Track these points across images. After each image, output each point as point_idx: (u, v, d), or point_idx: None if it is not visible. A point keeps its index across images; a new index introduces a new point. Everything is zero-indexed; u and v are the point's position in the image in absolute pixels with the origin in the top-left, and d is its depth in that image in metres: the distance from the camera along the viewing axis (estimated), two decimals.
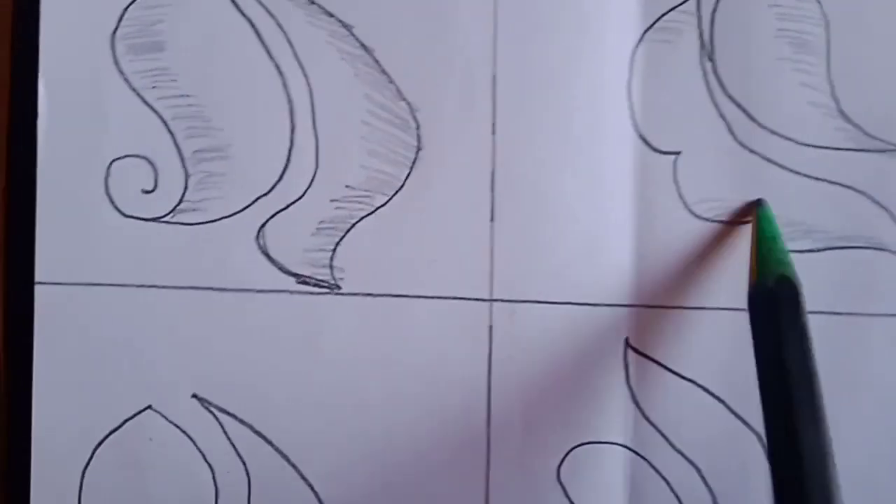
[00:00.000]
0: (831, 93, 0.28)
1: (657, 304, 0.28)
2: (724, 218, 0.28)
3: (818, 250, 0.28)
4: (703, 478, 0.28)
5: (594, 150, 0.28)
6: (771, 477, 0.22)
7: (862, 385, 0.28)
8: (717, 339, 0.28)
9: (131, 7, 0.29)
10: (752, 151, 0.28)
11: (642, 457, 0.28)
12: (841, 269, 0.28)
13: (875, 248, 0.28)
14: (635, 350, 0.28)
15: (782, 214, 0.28)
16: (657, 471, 0.28)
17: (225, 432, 0.29)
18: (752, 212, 0.28)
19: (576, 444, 0.28)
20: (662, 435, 0.28)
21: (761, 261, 0.25)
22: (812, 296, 0.28)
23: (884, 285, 0.28)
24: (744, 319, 0.27)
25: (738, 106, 0.28)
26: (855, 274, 0.28)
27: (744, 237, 0.28)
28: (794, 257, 0.28)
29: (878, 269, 0.28)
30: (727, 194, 0.28)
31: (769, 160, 0.28)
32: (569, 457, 0.28)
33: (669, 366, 0.28)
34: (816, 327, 0.27)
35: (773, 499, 0.22)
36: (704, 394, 0.28)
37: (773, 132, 0.28)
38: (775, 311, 0.24)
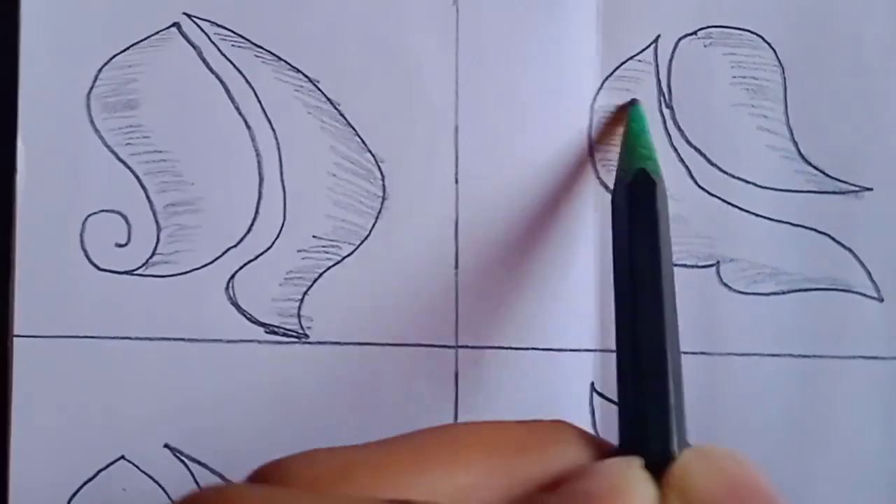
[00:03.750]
0: (790, 136, 0.28)
1: None
2: (686, 262, 0.28)
3: (783, 293, 0.28)
4: None
5: (556, 197, 0.29)
6: (617, 369, 0.22)
7: (833, 429, 0.28)
8: (684, 384, 0.28)
9: (105, 67, 0.30)
10: (713, 195, 0.28)
11: None
12: (808, 311, 0.28)
13: (840, 290, 0.28)
14: (601, 395, 0.28)
15: (746, 258, 0.28)
16: None
17: (196, 481, 0.29)
18: (625, 111, 0.27)
19: None
20: None
21: (624, 156, 0.25)
22: (780, 339, 0.28)
23: (851, 327, 0.28)
24: (714, 363, 0.27)
25: (698, 151, 0.29)
26: (822, 316, 0.28)
27: (706, 282, 0.28)
28: (760, 300, 0.28)
29: (845, 311, 0.28)
30: (690, 239, 0.28)
31: (731, 204, 0.28)
32: None
33: None
34: (786, 371, 0.27)
35: (617, 387, 0.22)
36: None
37: (733, 176, 0.28)
38: (630, 204, 0.23)
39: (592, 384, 0.28)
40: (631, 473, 0.18)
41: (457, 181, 0.29)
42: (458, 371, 0.29)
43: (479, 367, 0.29)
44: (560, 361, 0.28)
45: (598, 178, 0.29)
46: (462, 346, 0.29)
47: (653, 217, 0.22)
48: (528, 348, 0.29)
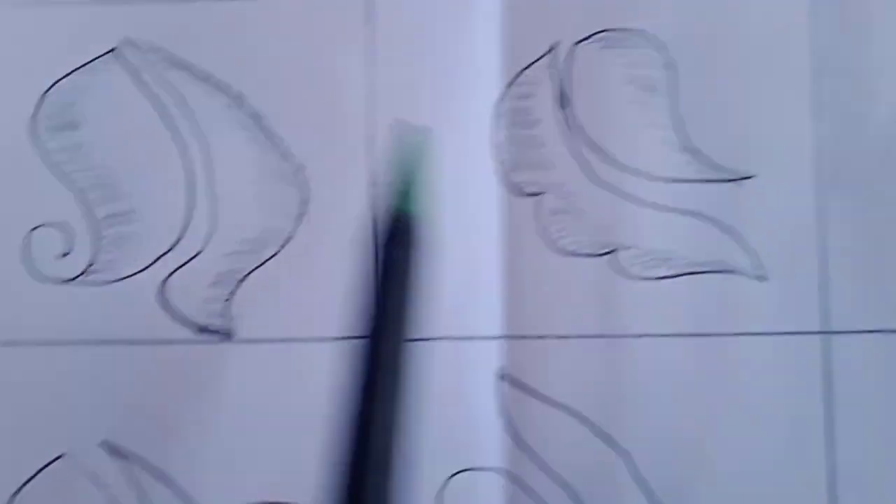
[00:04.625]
0: (679, 130, 0.30)
1: (526, 334, 0.30)
2: (585, 251, 0.30)
3: (674, 276, 0.30)
4: (578, 499, 0.30)
5: (463, 194, 0.31)
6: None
7: (724, 400, 0.30)
8: (585, 365, 0.30)
9: (49, 92, 0.32)
10: (607, 188, 0.30)
11: (518, 481, 0.30)
12: (697, 293, 0.30)
13: (727, 272, 0.30)
14: (508, 379, 0.30)
15: (639, 245, 0.30)
16: (534, 493, 0.30)
17: (134, 476, 0.31)
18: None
19: (455, 471, 0.30)
20: (536, 460, 0.30)
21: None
22: (672, 320, 0.30)
23: (738, 306, 0.30)
24: (613, 346, 0.29)
25: (594, 147, 0.31)
26: (711, 297, 0.30)
27: (603, 269, 0.30)
28: (653, 284, 0.30)
29: (731, 291, 0.30)
30: (588, 229, 0.30)
31: (624, 195, 0.30)
32: (449, 483, 0.30)
33: (540, 392, 0.30)
34: (679, 349, 0.29)
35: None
36: (574, 419, 0.30)
37: (626, 169, 0.30)
38: (383, 245, 0.23)
39: (499, 369, 0.30)
40: None
41: (372, 185, 0.31)
42: None
43: None
44: (469, 349, 0.30)
45: (502, 175, 0.31)
46: None
47: (398, 261, 0.23)
48: (438, 338, 0.30)
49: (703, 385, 0.30)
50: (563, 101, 0.31)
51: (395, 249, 0.23)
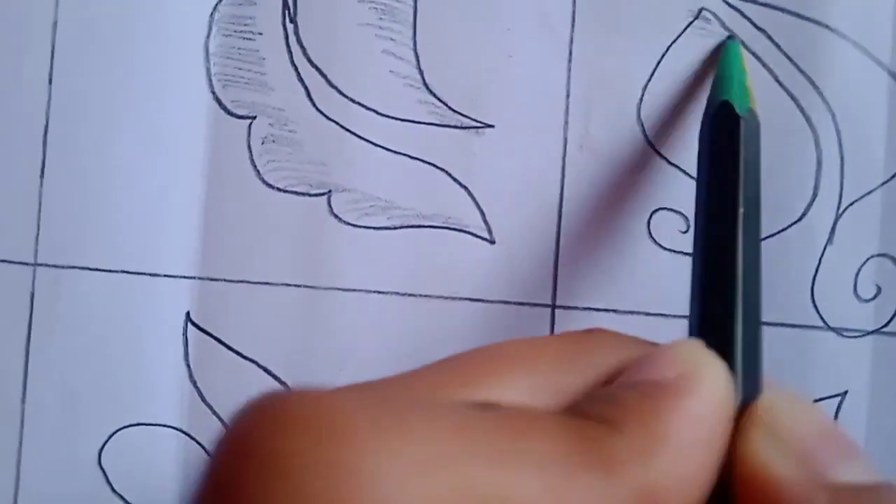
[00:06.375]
0: (416, 64, 0.27)
1: (222, 277, 0.26)
2: (297, 189, 0.27)
3: (395, 228, 0.27)
4: None
5: (163, 109, 0.27)
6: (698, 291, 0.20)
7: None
8: (284, 318, 0.27)
9: None
10: (330, 119, 0.27)
11: (197, 441, 0.26)
12: (418, 249, 0.27)
13: (453, 229, 0.27)
14: (196, 325, 0.26)
15: (359, 188, 0.27)
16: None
17: None
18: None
19: (122, 425, 0.26)
20: (219, 418, 0.26)
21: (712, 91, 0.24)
22: (387, 276, 0.26)
23: (461, 268, 0.27)
24: (318, 297, 0.26)
25: (319, 71, 0.27)
26: (432, 255, 0.27)
27: (316, 212, 0.27)
28: (370, 234, 0.27)
29: (456, 251, 0.27)
30: (303, 165, 0.27)
31: (348, 130, 0.27)
32: (112, 439, 0.26)
33: (231, 344, 0.26)
34: (390, 308, 0.26)
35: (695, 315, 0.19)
36: (266, 375, 0.26)
37: (353, 101, 0.27)
38: (709, 136, 0.22)
39: (188, 313, 0.26)
40: (699, 355, 0.17)
41: (50, 81, 0.26)
42: (34, 291, 0.26)
43: (59, 288, 0.26)
44: (153, 287, 0.26)
45: (212, 91, 0.27)
46: (40, 265, 0.26)
47: (733, 151, 0.21)
48: (117, 271, 0.26)
49: (416, 350, 0.27)
50: (291, 13, 0.27)
51: (723, 135, 0.22)
